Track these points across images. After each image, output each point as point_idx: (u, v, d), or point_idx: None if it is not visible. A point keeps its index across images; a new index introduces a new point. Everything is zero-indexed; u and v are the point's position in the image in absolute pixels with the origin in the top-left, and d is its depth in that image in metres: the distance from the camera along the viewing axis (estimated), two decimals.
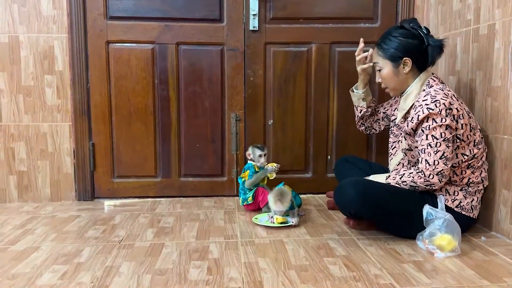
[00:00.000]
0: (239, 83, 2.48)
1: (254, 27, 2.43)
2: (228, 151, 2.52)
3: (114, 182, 2.50)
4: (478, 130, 1.76)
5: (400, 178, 1.75)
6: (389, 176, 1.79)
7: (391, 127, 2.04)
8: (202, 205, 2.38)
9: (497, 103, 1.84)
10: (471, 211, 1.77)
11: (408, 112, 1.82)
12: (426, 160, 1.68)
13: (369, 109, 2.10)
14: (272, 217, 1.97)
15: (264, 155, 2.20)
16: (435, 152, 1.67)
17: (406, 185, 1.73)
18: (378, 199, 1.72)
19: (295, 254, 1.65)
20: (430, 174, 1.68)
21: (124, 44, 2.41)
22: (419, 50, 1.78)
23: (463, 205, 1.75)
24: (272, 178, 2.19)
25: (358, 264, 1.55)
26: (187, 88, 2.47)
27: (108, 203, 2.42)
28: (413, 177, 1.72)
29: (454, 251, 1.61)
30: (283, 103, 2.52)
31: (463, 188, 1.76)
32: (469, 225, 1.82)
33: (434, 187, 1.70)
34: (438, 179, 1.68)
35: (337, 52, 2.49)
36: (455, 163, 1.72)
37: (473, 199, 1.77)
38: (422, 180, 1.70)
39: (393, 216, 1.76)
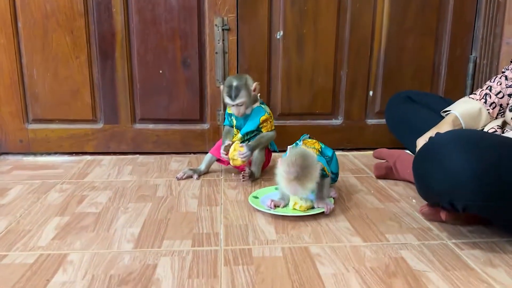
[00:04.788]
0: None
1: None
2: (210, 82, 1.57)
3: (29, 130, 1.57)
4: None
5: None
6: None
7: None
8: (168, 167, 1.47)
9: None
10: None
11: None
12: None
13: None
14: (273, 201, 1.06)
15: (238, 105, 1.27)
16: None
17: None
18: None
19: None
20: None
21: None
22: None
23: None
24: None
25: None
26: None
27: (18, 164, 1.50)
28: None
29: None
30: (301, 2, 1.53)
31: None
32: None
33: None
34: None
35: None
36: None
37: None
38: None
39: None
